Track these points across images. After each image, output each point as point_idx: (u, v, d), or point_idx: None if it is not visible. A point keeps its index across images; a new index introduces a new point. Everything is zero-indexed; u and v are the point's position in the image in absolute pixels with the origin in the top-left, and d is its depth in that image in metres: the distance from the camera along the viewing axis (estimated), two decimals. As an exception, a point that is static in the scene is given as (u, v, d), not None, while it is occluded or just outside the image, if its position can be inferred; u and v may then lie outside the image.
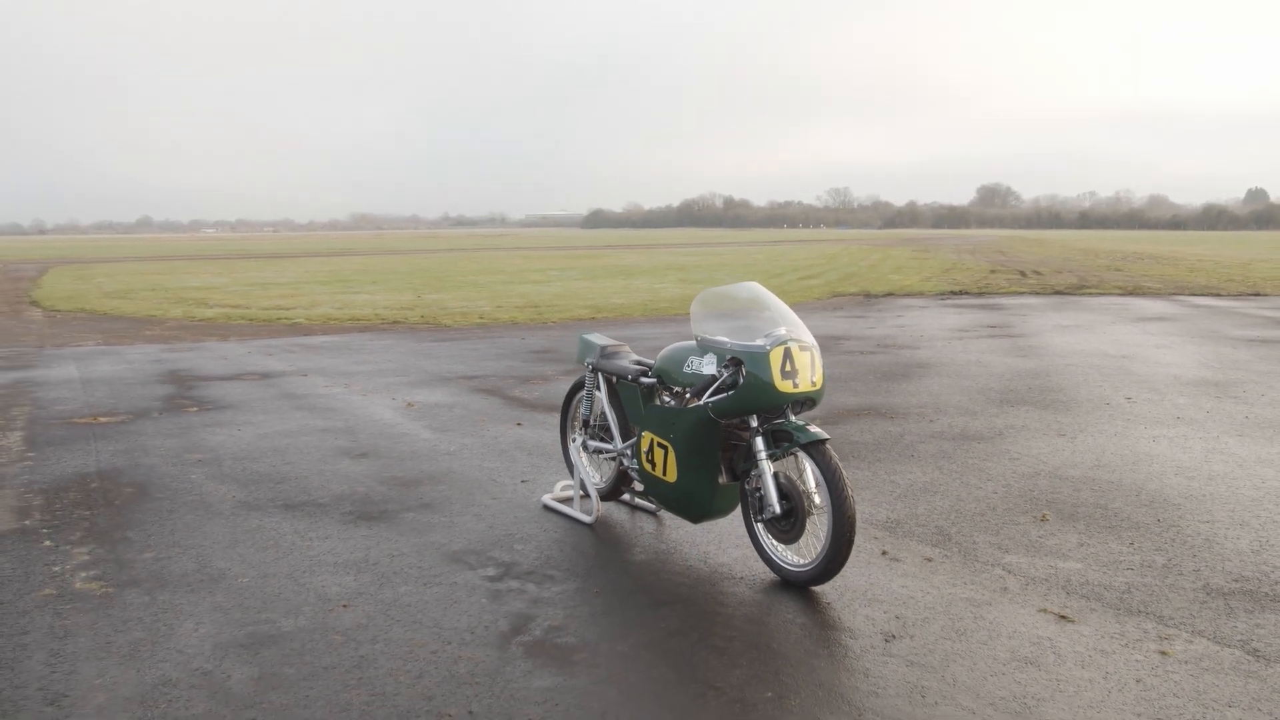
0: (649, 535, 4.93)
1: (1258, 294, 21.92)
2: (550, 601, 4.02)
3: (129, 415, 8.20)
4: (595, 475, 5.30)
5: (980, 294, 23.32)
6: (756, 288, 4.45)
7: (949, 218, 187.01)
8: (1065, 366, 10.69)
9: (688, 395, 4.43)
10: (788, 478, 4.16)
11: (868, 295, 23.41)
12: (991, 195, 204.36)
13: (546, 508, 5.40)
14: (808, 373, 4.12)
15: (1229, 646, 3.57)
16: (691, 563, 4.51)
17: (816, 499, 4.10)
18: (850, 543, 3.94)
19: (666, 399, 4.74)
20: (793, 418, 4.24)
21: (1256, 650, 3.54)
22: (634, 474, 4.93)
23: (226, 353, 12.72)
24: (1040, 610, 3.92)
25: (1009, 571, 4.36)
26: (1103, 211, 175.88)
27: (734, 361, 4.18)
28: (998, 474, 6.06)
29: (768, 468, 4.16)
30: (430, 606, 3.95)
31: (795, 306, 20.69)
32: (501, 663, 3.44)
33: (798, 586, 4.16)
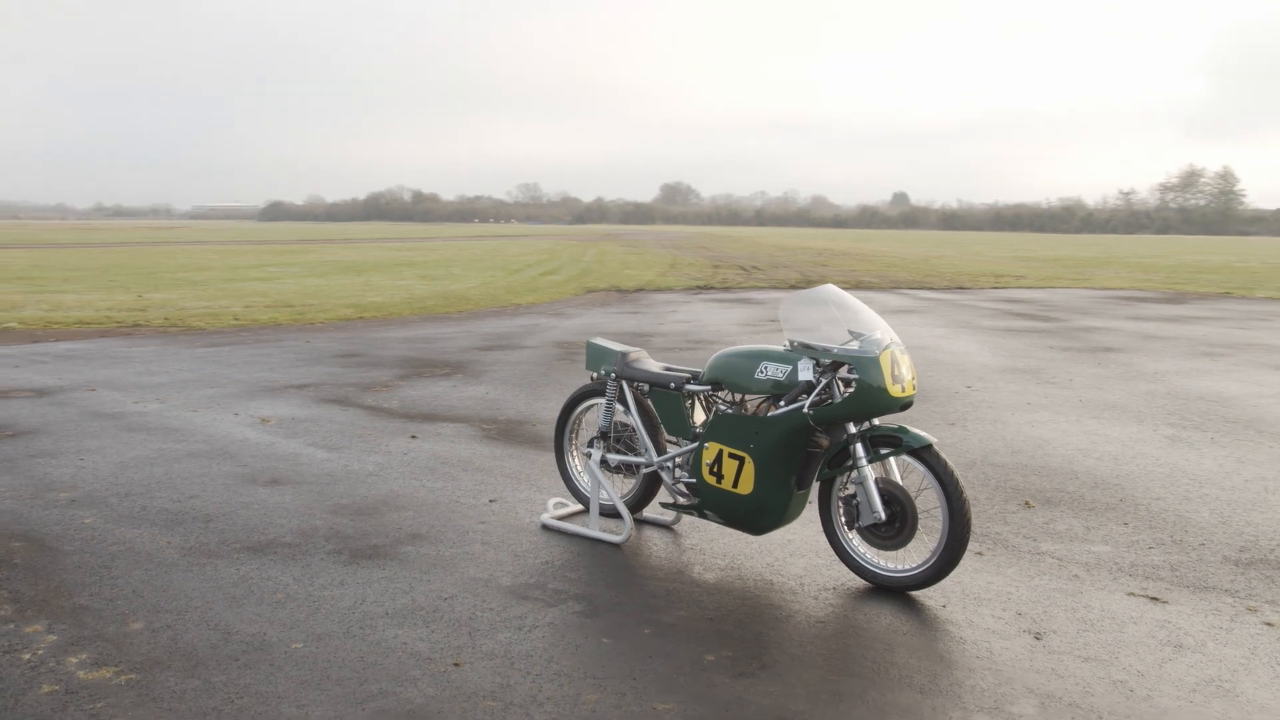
0: (686, 551, 4.66)
1: (961, 288, 24.58)
2: (685, 633, 3.69)
3: (-90, 449, 6.62)
4: (609, 492, 4.92)
5: (726, 289, 24.38)
6: (838, 291, 4.33)
7: (636, 214, 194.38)
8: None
9: (780, 402, 4.21)
10: (888, 483, 4.08)
11: (621, 291, 23.75)
12: (674, 193, 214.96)
13: (548, 528, 4.96)
14: (908, 375, 4.07)
15: (1307, 613, 3.93)
16: (768, 576, 4.31)
17: (917, 503, 4.06)
18: (965, 545, 3.94)
19: (722, 407, 4.50)
20: (876, 421, 4.17)
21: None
22: (682, 488, 4.64)
23: (-43, 366, 10.64)
24: (1129, 594, 4.12)
25: (1060, 560, 4.55)
26: (774, 210, 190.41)
27: (833, 366, 4.04)
28: (940, 464, 6.31)
29: (870, 474, 4.06)
30: (558, 655, 3.49)
31: (558, 303, 20.69)
32: (723, 707, 3.10)
33: (894, 592, 4.10)
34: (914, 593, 4.09)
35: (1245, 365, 10.78)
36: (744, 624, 3.79)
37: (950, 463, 3.98)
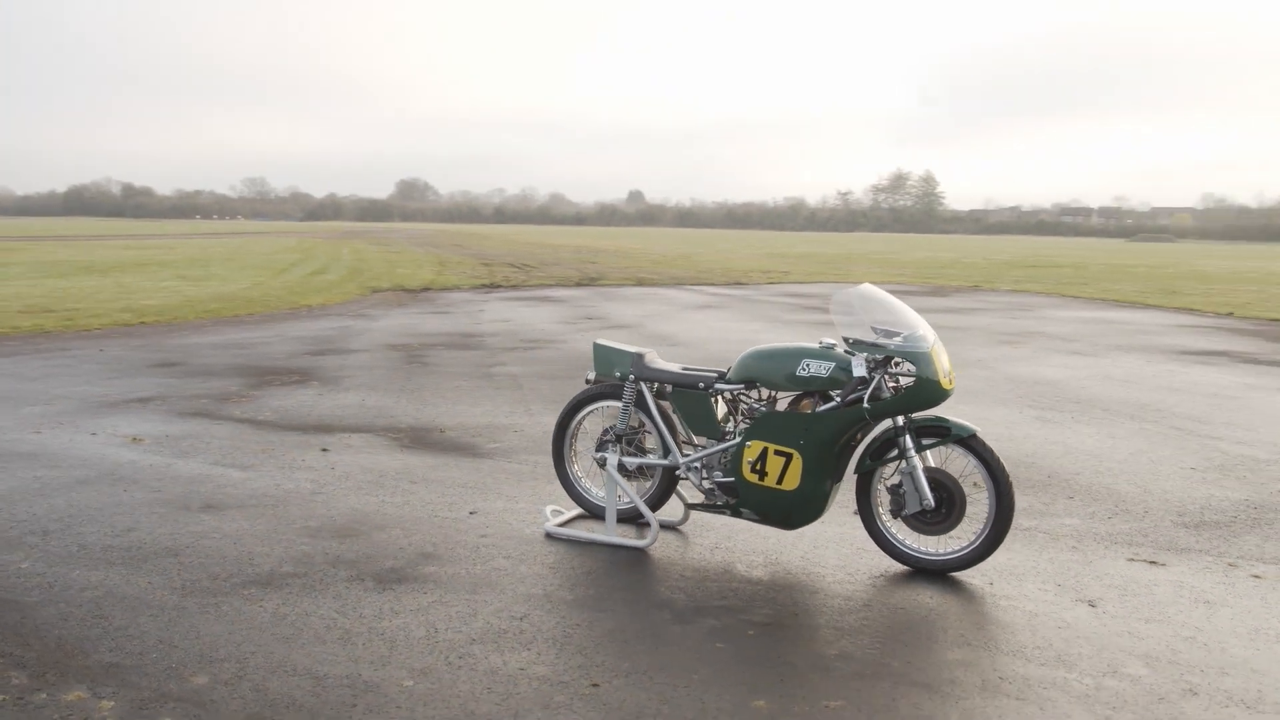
0: (714, 551, 4.67)
1: (739, 284, 25.72)
2: (786, 631, 3.72)
3: None
4: (633, 497, 4.80)
5: (514, 287, 24.15)
6: (876, 289, 4.49)
7: (372, 210, 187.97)
8: (734, 353, 11.76)
9: (835, 396, 4.28)
10: (937, 471, 4.29)
11: (408, 291, 22.98)
12: (411, 189, 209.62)
13: (554, 537, 4.81)
14: (949, 369, 4.29)
15: (1275, 564, 4.51)
16: (812, 569, 4.41)
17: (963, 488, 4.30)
18: (1009, 528, 4.21)
19: (756, 406, 4.55)
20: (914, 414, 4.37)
21: (1291, 564, 4.52)
22: (713, 487, 4.62)
23: None
24: (1130, 560, 4.56)
25: (1050, 535, 4.95)
26: (514, 207, 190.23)
27: (883, 362, 4.20)
28: (868, 452, 6.66)
29: (919, 463, 4.25)
30: (691, 663, 3.42)
31: (350, 304, 19.78)
32: (886, 697, 3.14)
33: (934, 574, 4.31)
34: (955, 573, 4.32)
35: (1043, 352, 12.05)
36: (830, 617, 3.87)
37: (995, 449, 4.23)
